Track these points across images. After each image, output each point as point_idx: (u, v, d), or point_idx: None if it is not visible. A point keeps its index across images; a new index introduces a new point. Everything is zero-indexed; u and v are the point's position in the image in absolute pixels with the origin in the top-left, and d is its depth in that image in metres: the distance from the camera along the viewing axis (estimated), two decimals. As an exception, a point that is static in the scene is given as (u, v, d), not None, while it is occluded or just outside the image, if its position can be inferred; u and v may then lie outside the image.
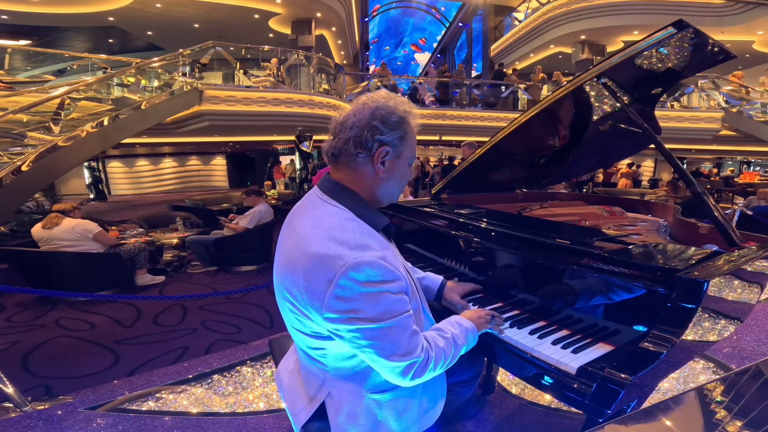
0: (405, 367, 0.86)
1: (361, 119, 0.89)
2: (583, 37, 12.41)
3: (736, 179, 13.19)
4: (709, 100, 10.11)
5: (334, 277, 0.79)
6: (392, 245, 1.01)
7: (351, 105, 0.95)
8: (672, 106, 10.26)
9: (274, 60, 8.68)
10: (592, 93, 1.91)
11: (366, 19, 19.39)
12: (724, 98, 9.78)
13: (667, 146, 1.62)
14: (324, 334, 0.88)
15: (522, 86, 11.24)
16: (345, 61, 15.86)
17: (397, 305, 0.84)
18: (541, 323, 1.23)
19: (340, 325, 0.82)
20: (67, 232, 3.75)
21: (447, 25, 22.83)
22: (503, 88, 11.35)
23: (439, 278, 1.39)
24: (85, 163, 13.06)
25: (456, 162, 10.25)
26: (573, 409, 1.05)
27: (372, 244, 0.86)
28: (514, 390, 1.99)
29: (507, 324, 1.23)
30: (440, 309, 1.42)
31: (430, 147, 14.82)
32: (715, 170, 16.65)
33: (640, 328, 1.02)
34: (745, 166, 17.79)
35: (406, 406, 0.99)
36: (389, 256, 0.88)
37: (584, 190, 9.65)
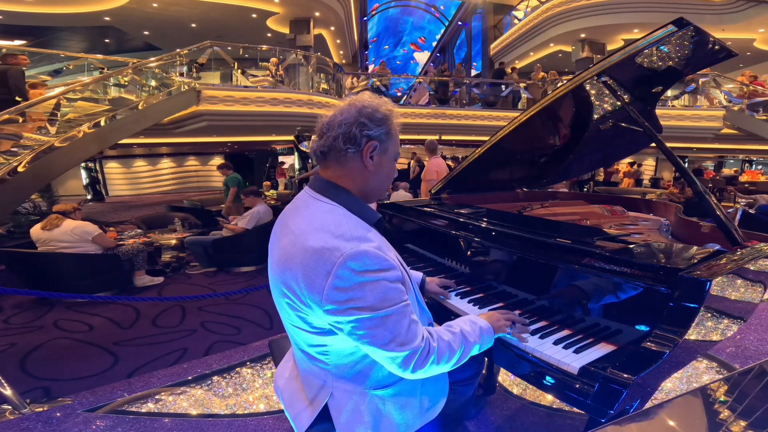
0: (405, 357, 0.86)
1: (348, 117, 0.92)
2: (583, 35, 12.38)
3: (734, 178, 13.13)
4: (710, 98, 10.08)
5: (333, 268, 0.80)
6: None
7: (336, 107, 0.97)
8: (674, 105, 10.25)
9: (273, 59, 8.65)
10: (593, 91, 1.90)
11: (365, 18, 19.33)
12: (726, 96, 9.74)
13: (668, 145, 1.61)
14: (326, 329, 0.89)
15: (522, 85, 11.23)
16: (344, 61, 15.82)
17: (394, 293, 0.85)
18: (543, 323, 1.23)
19: (340, 316, 0.82)
20: (67, 233, 3.73)
21: (446, 23, 22.77)
22: (503, 87, 11.33)
23: (420, 274, 1.44)
24: (83, 164, 13.04)
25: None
26: (575, 410, 1.05)
27: (367, 236, 0.88)
28: (515, 390, 1.99)
29: (530, 331, 1.16)
30: (438, 306, 1.42)
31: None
32: (713, 173, 16.57)
33: (643, 327, 1.02)
34: (747, 164, 17.78)
35: (408, 402, 1.00)
36: (384, 246, 0.90)
37: (585, 189, 9.65)
